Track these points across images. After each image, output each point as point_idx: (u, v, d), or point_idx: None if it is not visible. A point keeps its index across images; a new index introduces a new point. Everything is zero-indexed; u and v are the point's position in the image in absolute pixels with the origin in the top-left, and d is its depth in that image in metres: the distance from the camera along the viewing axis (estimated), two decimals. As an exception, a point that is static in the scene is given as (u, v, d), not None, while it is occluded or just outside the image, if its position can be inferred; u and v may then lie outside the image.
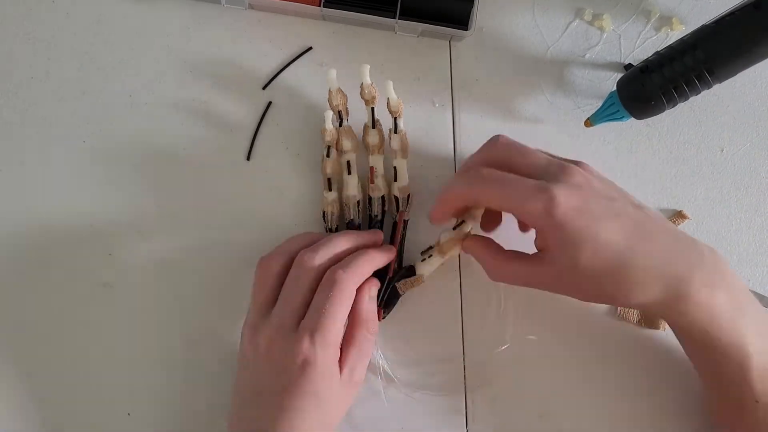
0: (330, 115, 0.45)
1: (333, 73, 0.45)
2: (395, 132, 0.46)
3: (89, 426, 0.46)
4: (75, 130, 0.49)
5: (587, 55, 0.50)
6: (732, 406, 0.40)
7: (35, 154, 0.48)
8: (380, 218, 0.46)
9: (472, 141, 0.49)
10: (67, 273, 0.47)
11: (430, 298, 0.46)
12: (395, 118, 0.46)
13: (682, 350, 0.42)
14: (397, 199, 0.46)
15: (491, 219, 0.45)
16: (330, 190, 0.46)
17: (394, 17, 0.47)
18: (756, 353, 0.38)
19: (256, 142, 0.49)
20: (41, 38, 0.50)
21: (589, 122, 0.47)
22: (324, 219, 0.46)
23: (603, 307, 0.47)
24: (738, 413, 0.40)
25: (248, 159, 0.49)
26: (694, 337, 0.39)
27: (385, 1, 0.47)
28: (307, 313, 0.40)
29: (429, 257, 0.44)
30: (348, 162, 0.46)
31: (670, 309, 0.38)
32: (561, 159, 0.41)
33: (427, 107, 0.50)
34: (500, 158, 0.40)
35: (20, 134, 0.48)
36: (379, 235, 0.45)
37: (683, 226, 0.48)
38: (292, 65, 0.50)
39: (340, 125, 0.46)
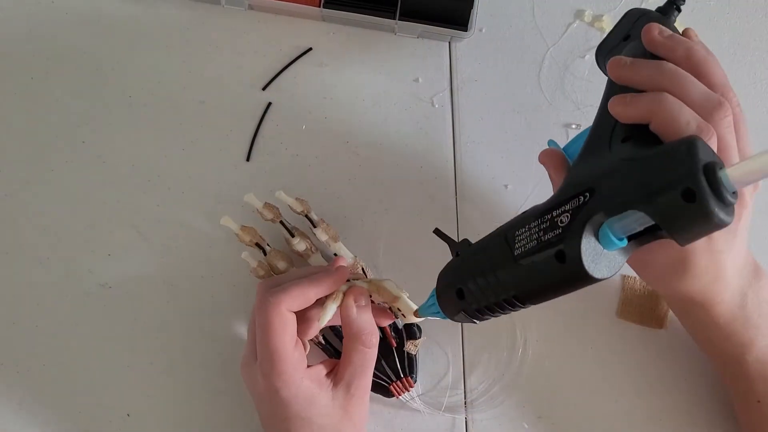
0: (247, 254, 0.44)
1: (227, 219, 0.43)
2: (315, 227, 0.45)
3: (89, 427, 0.46)
4: (74, 130, 0.48)
5: (587, 56, 0.50)
6: (740, 405, 0.42)
7: (34, 154, 0.48)
8: None
9: (471, 142, 0.49)
10: (66, 273, 0.47)
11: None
12: (306, 215, 0.45)
13: (682, 350, 0.43)
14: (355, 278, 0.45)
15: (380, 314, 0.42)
16: None
17: (393, 18, 0.47)
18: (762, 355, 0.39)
19: (256, 143, 0.49)
20: (41, 38, 0.50)
21: (417, 313, 0.40)
22: None
23: (603, 307, 0.47)
24: (744, 412, 0.42)
25: (248, 159, 0.49)
26: (711, 334, 0.40)
27: (384, 2, 0.47)
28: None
29: (402, 315, 0.41)
30: None
31: (702, 305, 0.38)
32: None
33: (427, 108, 0.50)
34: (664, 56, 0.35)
35: (20, 134, 0.48)
36: (340, 271, 0.41)
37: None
38: (291, 66, 0.50)
39: (265, 254, 0.44)
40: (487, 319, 0.35)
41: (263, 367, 0.38)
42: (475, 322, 0.36)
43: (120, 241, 0.47)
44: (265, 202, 0.44)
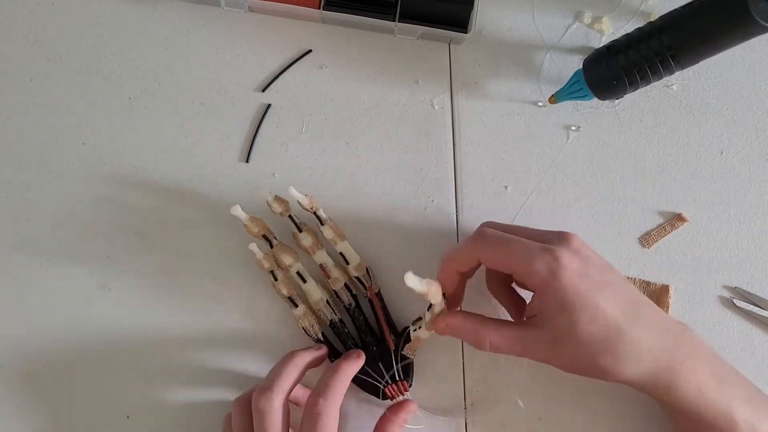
0: (254, 245, 0.44)
1: (237, 209, 0.44)
2: (322, 224, 0.45)
3: (88, 428, 0.46)
4: (74, 132, 0.49)
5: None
6: None
7: (34, 155, 0.48)
8: (355, 304, 0.46)
9: (471, 143, 0.49)
10: (66, 275, 0.47)
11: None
12: (314, 213, 0.45)
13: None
14: (358, 278, 0.45)
15: (454, 299, 0.43)
16: (296, 306, 0.45)
17: (393, 20, 0.47)
18: (743, 421, 0.38)
19: (256, 144, 0.49)
20: (41, 40, 0.50)
21: (554, 99, 0.47)
22: (306, 333, 0.45)
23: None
24: None
25: (247, 161, 0.49)
26: (683, 411, 0.39)
27: (384, 4, 0.47)
28: None
29: (419, 328, 0.43)
30: (298, 272, 0.45)
31: (658, 384, 0.38)
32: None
33: (427, 109, 0.50)
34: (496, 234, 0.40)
35: (19, 136, 0.48)
36: (323, 350, 0.44)
37: (683, 229, 0.48)
38: (291, 68, 0.50)
39: (272, 246, 0.45)
40: (635, 86, 0.43)
41: None
42: (619, 98, 0.44)
43: (120, 242, 0.47)
44: (276, 195, 0.45)
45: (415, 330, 0.43)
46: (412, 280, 0.37)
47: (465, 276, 0.42)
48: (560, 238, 0.39)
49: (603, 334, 0.37)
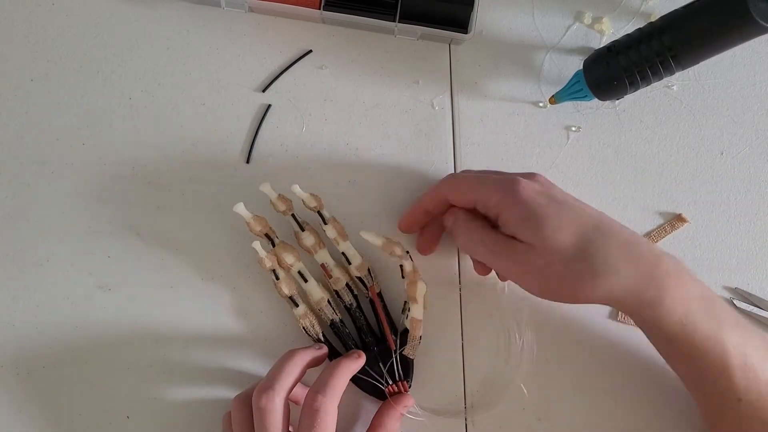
0: (258, 244, 0.44)
1: (241, 207, 0.44)
2: (325, 223, 0.45)
3: (88, 429, 0.46)
4: (74, 132, 0.49)
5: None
6: (713, 404, 0.39)
7: (34, 156, 0.48)
8: (356, 304, 0.46)
9: (471, 144, 0.49)
10: (66, 275, 0.47)
11: (431, 321, 0.46)
12: (318, 212, 0.45)
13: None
14: (360, 278, 0.45)
15: (430, 239, 0.46)
16: (297, 305, 0.45)
17: (393, 20, 0.47)
18: (734, 346, 0.37)
19: (256, 145, 0.49)
20: (41, 40, 0.50)
21: (554, 99, 0.48)
22: (307, 333, 0.45)
23: (602, 308, 0.47)
24: (719, 412, 0.39)
25: (248, 162, 0.49)
26: (669, 334, 0.37)
27: (384, 5, 0.47)
28: None
29: (408, 311, 0.44)
30: (299, 272, 0.45)
31: (642, 300, 0.36)
32: None
33: (427, 110, 0.50)
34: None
35: (19, 136, 0.48)
36: (323, 350, 0.44)
37: (683, 230, 0.48)
38: (291, 68, 0.50)
39: (273, 245, 0.45)
40: (635, 87, 0.43)
41: None
42: (619, 98, 0.45)
43: (120, 243, 0.47)
44: (279, 194, 0.45)
45: (406, 316, 0.44)
46: (368, 235, 0.43)
47: (431, 215, 0.44)
48: (526, 174, 0.41)
49: (572, 240, 0.36)
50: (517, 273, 0.39)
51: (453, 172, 0.49)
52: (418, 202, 0.44)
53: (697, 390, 0.40)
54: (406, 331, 0.45)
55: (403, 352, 0.45)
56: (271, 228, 0.45)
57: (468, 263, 0.47)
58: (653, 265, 0.37)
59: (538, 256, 0.37)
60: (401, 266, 0.44)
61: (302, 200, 0.44)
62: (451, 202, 0.42)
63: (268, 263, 0.44)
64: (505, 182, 0.39)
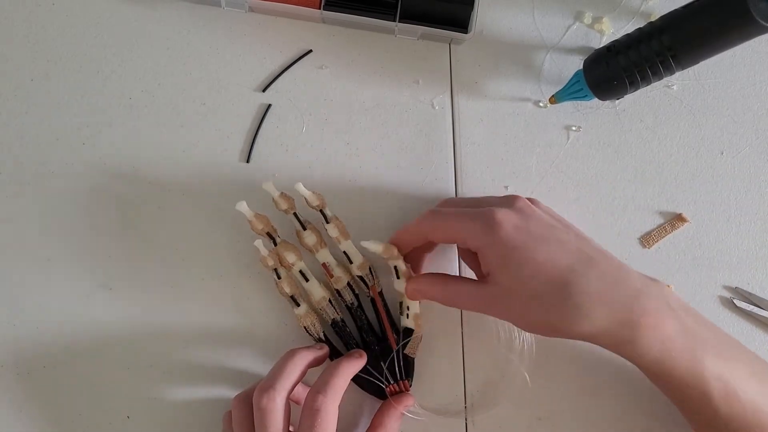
0: (260, 242, 0.44)
1: (243, 205, 0.44)
2: (327, 222, 0.45)
3: (88, 429, 0.46)
4: (74, 132, 0.49)
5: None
6: (702, 427, 0.40)
7: (34, 155, 0.48)
8: (357, 304, 0.46)
9: (471, 144, 0.49)
10: (66, 275, 0.47)
11: (431, 320, 0.46)
12: (320, 211, 0.45)
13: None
14: (361, 278, 0.45)
15: (415, 259, 0.46)
16: (298, 305, 0.45)
17: (394, 20, 0.47)
18: (714, 378, 0.37)
19: (256, 145, 0.49)
20: (41, 40, 0.50)
21: (554, 99, 0.48)
22: (308, 332, 0.45)
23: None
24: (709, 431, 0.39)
25: (248, 161, 0.49)
26: (650, 369, 0.38)
27: (385, 4, 0.47)
28: None
29: (407, 309, 0.44)
30: (300, 271, 0.45)
31: (619, 341, 0.37)
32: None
33: (427, 110, 0.50)
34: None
35: (19, 136, 0.48)
36: (324, 349, 0.44)
37: (683, 230, 0.48)
38: (291, 68, 0.50)
39: (275, 244, 0.45)
40: (635, 86, 0.43)
41: None
42: (619, 98, 0.45)
43: (120, 243, 0.47)
44: (281, 192, 0.45)
45: (406, 315, 0.44)
46: (368, 243, 0.42)
47: (418, 250, 0.44)
48: (505, 200, 0.41)
49: (547, 288, 0.36)
50: (497, 314, 0.40)
51: (453, 169, 0.49)
52: (400, 240, 0.43)
53: (684, 414, 0.41)
54: (406, 330, 0.45)
55: (404, 351, 0.45)
56: (272, 226, 0.45)
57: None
58: (628, 307, 0.37)
59: (516, 301, 0.38)
60: (395, 267, 0.44)
61: (305, 198, 0.44)
62: (431, 239, 0.42)
63: (270, 262, 0.44)
64: (483, 219, 0.38)
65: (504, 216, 0.38)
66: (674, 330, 0.37)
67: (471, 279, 0.42)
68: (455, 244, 0.47)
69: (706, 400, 0.37)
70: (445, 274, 0.43)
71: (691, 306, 0.40)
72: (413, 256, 0.45)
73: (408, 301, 0.44)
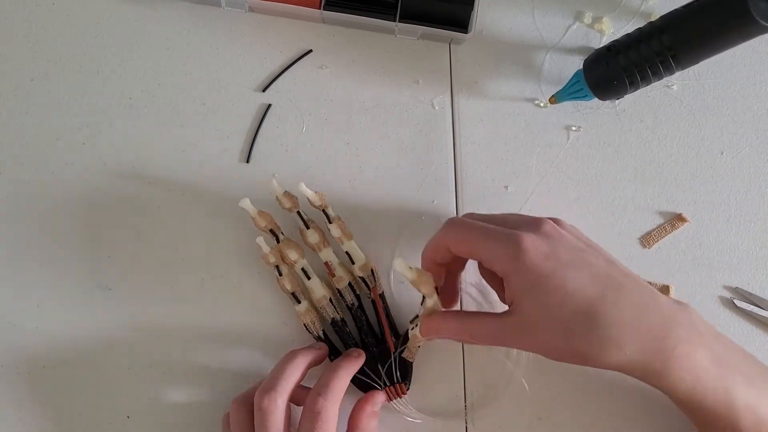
0: (261, 239, 0.44)
1: (246, 202, 0.44)
2: (330, 222, 0.45)
3: (88, 429, 0.46)
4: (74, 132, 0.49)
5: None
6: None
7: (34, 155, 0.48)
8: (358, 304, 0.46)
9: (471, 144, 0.49)
10: (66, 275, 0.47)
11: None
12: (323, 210, 0.45)
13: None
14: (362, 278, 0.45)
15: (448, 295, 0.44)
16: (299, 302, 0.45)
17: (394, 20, 0.47)
18: (744, 408, 0.37)
19: (256, 144, 0.49)
20: (41, 40, 0.50)
21: (554, 99, 0.48)
22: (308, 330, 0.45)
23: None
24: None
25: (248, 161, 0.49)
26: (680, 399, 0.37)
27: (385, 4, 0.47)
28: None
29: (416, 326, 0.42)
30: (302, 269, 0.45)
31: (649, 371, 0.36)
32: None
33: (427, 110, 0.50)
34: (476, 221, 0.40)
35: (19, 136, 0.48)
36: (324, 349, 0.44)
37: (683, 230, 0.48)
38: (291, 68, 0.50)
39: (278, 241, 0.45)
40: (635, 86, 0.43)
41: None
42: (619, 98, 0.45)
43: (120, 242, 0.47)
44: (285, 191, 0.45)
45: (412, 329, 0.43)
46: (400, 265, 0.36)
47: (444, 267, 0.41)
48: (531, 222, 0.38)
49: (576, 317, 0.35)
50: (521, 345, 0.38)
51: (453, 169, 0.49)
52: (425, 253, 0.41)
53: None
54: (406, 334, 0.45)
55: (402, 355, 0.44)
56: (276, 224, 0.45)
57: (468, 265, 0.47)
58: (660, 338, 0.36)
59: (543, 330, 0.36)
60: (423, 298, 0.40)
61: (308, 198, 0.44)
62: (453, 252, 0.39)
63: (272, 259, 0.44)
64: (509, 243, 0.37)
65: (531, 242, 0.36)
66: (705, 359, 0.36)
67: (488, 314, 0.39)
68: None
69: (736, 429, 0.37)
70: (462, 312, 0.41)
71: (715, 327, 0.39)
72: (448, 287, 0.43)
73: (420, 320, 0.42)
